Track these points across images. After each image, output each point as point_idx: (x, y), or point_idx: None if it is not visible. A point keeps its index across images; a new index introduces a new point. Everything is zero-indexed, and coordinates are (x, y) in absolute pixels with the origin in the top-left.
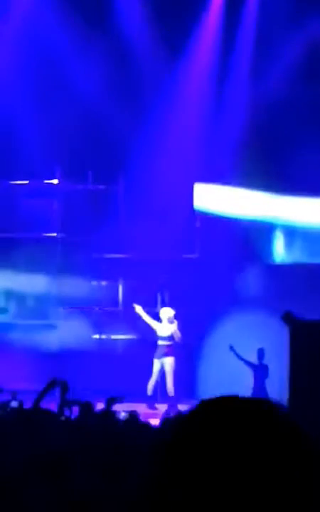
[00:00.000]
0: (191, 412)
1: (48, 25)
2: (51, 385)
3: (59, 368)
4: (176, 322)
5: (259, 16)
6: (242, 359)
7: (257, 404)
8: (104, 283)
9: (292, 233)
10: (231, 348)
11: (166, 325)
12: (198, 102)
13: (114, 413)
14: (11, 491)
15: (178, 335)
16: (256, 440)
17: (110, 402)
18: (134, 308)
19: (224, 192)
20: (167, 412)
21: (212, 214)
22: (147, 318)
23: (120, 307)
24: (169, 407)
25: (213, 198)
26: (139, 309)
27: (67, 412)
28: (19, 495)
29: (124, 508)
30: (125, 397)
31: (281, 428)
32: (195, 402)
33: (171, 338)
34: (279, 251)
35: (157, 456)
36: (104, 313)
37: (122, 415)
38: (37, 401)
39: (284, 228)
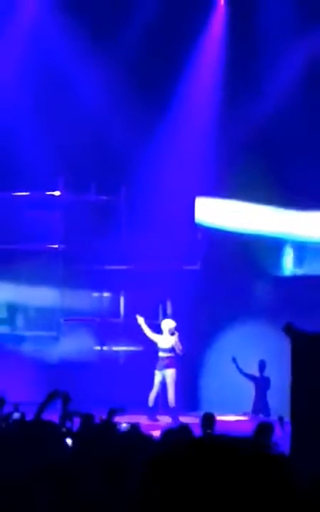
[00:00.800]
0: (188, 445)
1: (52, 35)
2: (52, 397)
3: (61, 379)
4: (177, 334)
5: (260, 27)
6: (243, 373)
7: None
8: (105, 294)
9: (298, 247)
10: (234, 360)
11: (166, 337)
12: (201, 115)
13: (115, 424)
14: (13, 503)
15: (179, 347)
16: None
17: (111, 413)
18: (136, 319)
19: (226, 206)
20: (170, 424)
21: (213, 228)
22: (148, 330)
23: (121, 319)
24: (171, 419)
25: (215, 212)
26: (140, 321)
27: (68, 424)
28: (21, 506)
29: None
30: (126, 409)
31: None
32: (197, 414)
33: (172, 349)
34: (288, 264)
35: (149, 475)
36: (105, 324)
37: (123, 426)
38: (38, 413)
39: (289, 242)
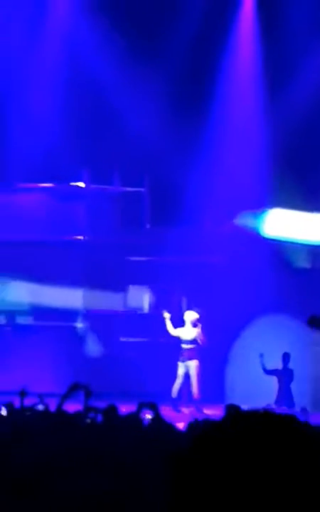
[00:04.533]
0: (218, 424)
1: (83, 35)
2: (73, 389)
3: (85, 370)
4: (199, 325)
5: (290, 27)
6: (266, 370)
7: (285, 422)
8: (130, 286)
9: None
10: (260, 356)
11: (189, 328)
12: (224, 111)
13: (139, 415)
14: (31, 489)
15: (201, 338)
16: (279, 455)
17: (141, 407)
18: (162, 313)
19: (295, 217)
20: (193, 416)
21: (283, 240)
22: (170, 327)
23: (146, 310)
24: (195, 410)
25: (285, 224)
26: (166, 316)
27: (92, 415)
28: (38, 493)
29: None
30: (157, 404)
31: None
32: (221, 406)
33: (194, 341)
34: None
35: (179, 463)
36: (130, 315)
37: (148, 418)
38: (60, 405)
39: None
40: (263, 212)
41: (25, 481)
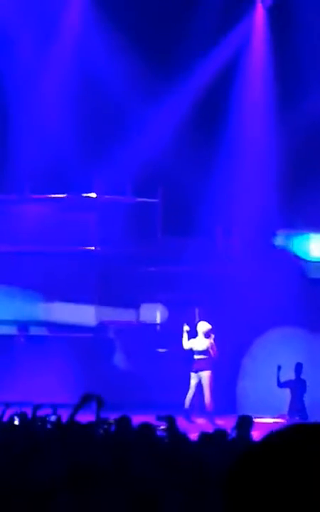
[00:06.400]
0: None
1: (95, 47)
2: (85, 400)
3: (98, 381)
4: (212, 336)
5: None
6: (280, 384)
7: None
8: (142, 296)
9: None
10: (278, 369)
11: (201, 339)
12: (236, 120)
13: (151, 426)
14: (42, 502)
15: (213, 348)
16: None
17: (159, 420)
18: (182, 325)
19: None
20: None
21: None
22: (185, 341)
23: (158, 321)
24: (207, 421)
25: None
26: (185, 329)
27: (105, 425)
28: (48, 506)
29: None
30: (174, 417)
31: None
32: (234, 416)
33: (206, 352)
34: None
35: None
36: (141, 326)
37: (161, 429)
38: (72, 415)
39: None
40: (301, 235)
41: (41, 494)
